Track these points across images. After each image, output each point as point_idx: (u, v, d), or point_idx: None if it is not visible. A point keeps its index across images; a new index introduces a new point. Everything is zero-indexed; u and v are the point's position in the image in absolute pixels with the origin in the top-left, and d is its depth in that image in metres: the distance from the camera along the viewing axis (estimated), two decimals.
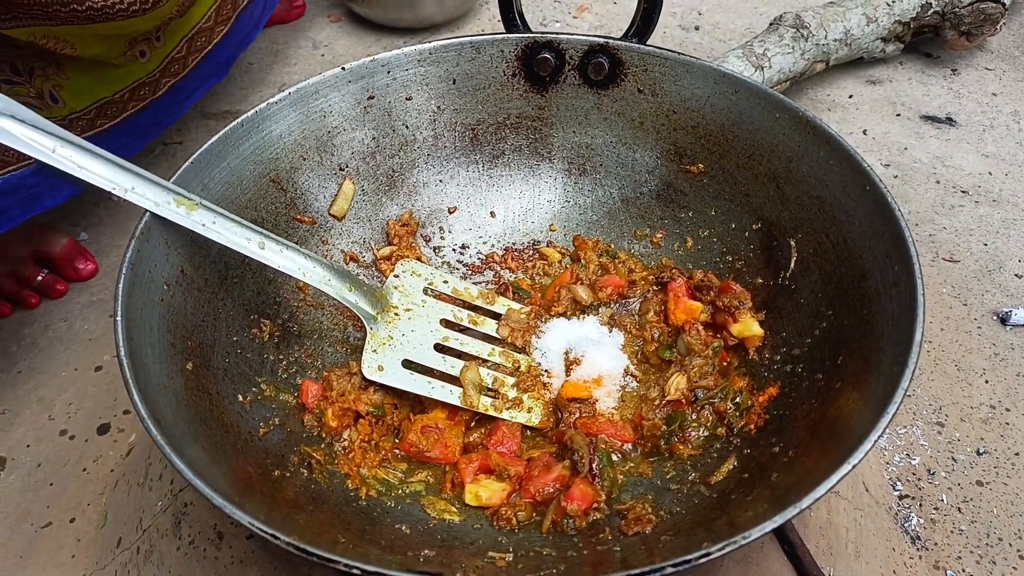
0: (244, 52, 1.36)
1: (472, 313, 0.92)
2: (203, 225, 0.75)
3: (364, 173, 0.97)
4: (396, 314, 0.87)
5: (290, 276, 0.81)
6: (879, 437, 0.61)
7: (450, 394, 0.83)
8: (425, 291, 0.91)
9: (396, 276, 0.91)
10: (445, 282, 0.93)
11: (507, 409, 0.84)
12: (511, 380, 0.86)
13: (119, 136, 1.14)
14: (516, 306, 0.93)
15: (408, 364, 0.84)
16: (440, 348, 0.87)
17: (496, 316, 0.92)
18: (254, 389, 0.81)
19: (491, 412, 0.83)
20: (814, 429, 0.71)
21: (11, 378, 1.10)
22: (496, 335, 0.90)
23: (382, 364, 0.83)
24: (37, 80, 1.03)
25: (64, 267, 1.19)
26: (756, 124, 0.89)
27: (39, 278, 1.18)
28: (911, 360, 0.64)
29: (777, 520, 0.57)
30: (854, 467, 0.59)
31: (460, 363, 0.86)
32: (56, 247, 1.20)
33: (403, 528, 0.73)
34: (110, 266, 1.25)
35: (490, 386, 0.85)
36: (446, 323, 0.89)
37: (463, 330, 0.90)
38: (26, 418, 1.06)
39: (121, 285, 0.70)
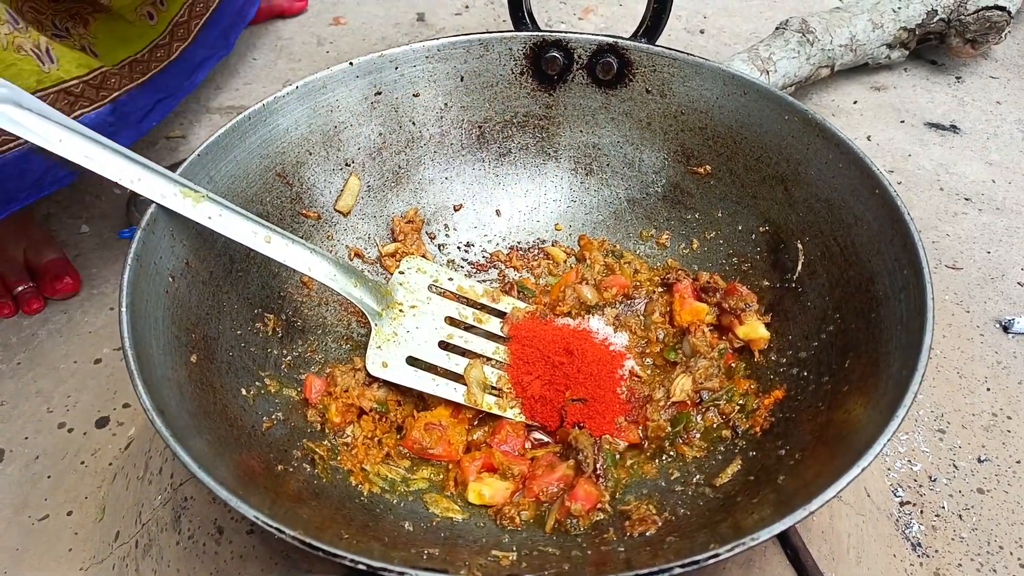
0: (245, 31, 1.50)
1: (477, 311, 0.91)
2: (209, 218, 0.75)
3: (370, 169, 0.97)
4: (401, 311, 0.87)
5: (295, 271, 0.81)
6: (887, 441, 0.60)
7: (454, 392, 0.83)
8: (430, 288, 0.91)
9: (401, 272, 0.91)
10: (450, 279, 0.93)
11: (511, 408, 0.83)
12: None
13: (157, 90, 1.23)
14: (521, 305, 0.93)
15: (412, 361, 0.84)
16: (444, 346, 0.87)
17: (501, 314, 0.92)
18: (257, 383, 0.81)
19: (495, 410, 0.83)
20: (821, 433, 0.71)
21: (10, 370, 1.10)
22: (501, 333, 0.90)
23: (386, 361, 0.83)
24: (74, 37, 1.11)
25: (42, 279, 1.18)
26: (765, 126, 0.89)
27: (20, 288, 1.17)
28: (920, 364, 0.64)
29: (786, 522, 0.57)
30: (863, 471, 0.59)
31: (464, 361, 0.85)
32: (43, 259, 1.19)
33: (406, 525, 0.72)
34: (111, 259, 1.24)
35: (494, 384, 0.85)
36: (451, 320, 0.89)
37: (467, 328, 0.90)
38: (25, 410, 1.05)
39: (126, 277, 0.69)
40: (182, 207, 0.74)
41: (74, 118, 1.01)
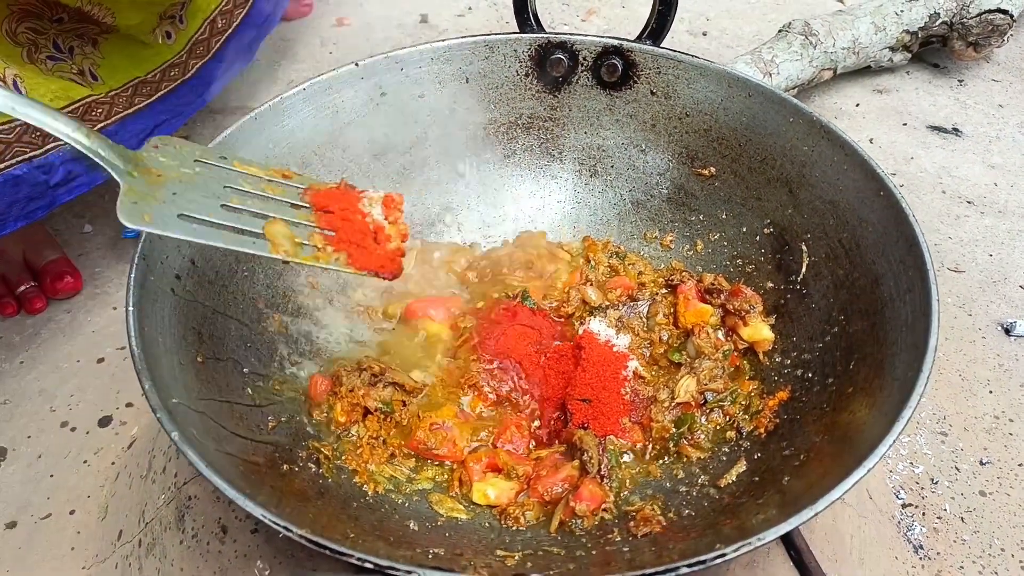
0: (265, 38, 1.40)
1: (266, 181, 0.74)
2: None
3: (375, 170, 0.97)
4: (159, 176, 0.68)
5: (300, 272, 0.79)
6: (893, 442, 0.61)
7: (253, 245, 0.68)
8: (196, 162, 0.71)
9: (155, 147, 0.70)
10: (223, 157, 0.73)
11: (334, 259, 0.72)
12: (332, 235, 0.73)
13: (158, 113, 1.17)
14: (323, 183, 0.77)
15: (186, 219, 0.67)
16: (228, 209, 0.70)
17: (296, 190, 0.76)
18: (263, 383, 0.81)
19: (315, 263, 0.71)
20: (825, 434, 0.71)
21: (13, 368, 1.10)
22: (304, 203, 0.74)
23: (148, 214, 0.64)
24: (77, 58, 1.06)
25: (44, 279, 1.18)
26: (769, 128, 0.90)
27: (23, 288, 1.17)
28: (926, 367, 0.64)
29: (791, 523, 0.57)
30: (868, 472, 0.59)
31: (259, 222, 0.70)
32: (44, 259, 1.18)
33: (411, 525, 0.73)
34: (114, 259, 1.24)
35: (307, 241, 0.71)
36: (231, 189, 0.72)
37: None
38: (27, 409, 1.05)
39: (133, 275, 0.69)
40: None
41: (45, 153, 0.97)
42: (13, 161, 0.94)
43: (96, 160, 0.66)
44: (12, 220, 0.98)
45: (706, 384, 0.83)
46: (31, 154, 0.96)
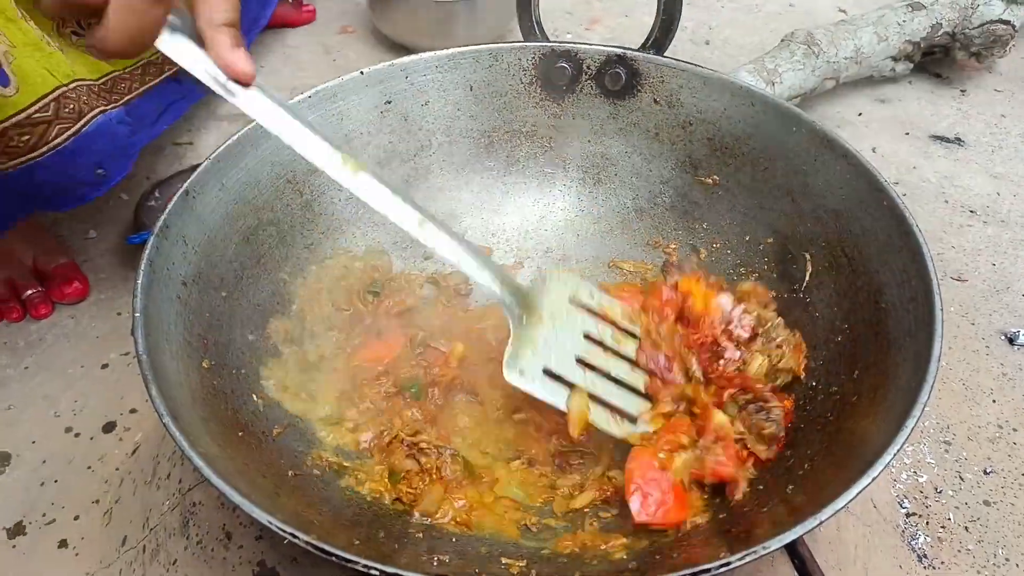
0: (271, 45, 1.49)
1: (615, 331, 0.85)
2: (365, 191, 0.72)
3: (379, 177, 0.97)
4: (540, 319, 0.82)
5: (302, 292, 0.80)
6: (897, 451, 0.61)
7: (591, 412, 0.80)
8: (571, 300, 0.85)
9: (543, 282, 0.85)
10: (591, 295, 0.86)
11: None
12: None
13: (170, 93, 1.25)
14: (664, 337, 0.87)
15: (548, 373, 0.80)
16: (580, 362, 0.82)
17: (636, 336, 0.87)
18: (268, 389, 0.81)
19: (630, 440, 0.80)
20: (829, 443, 0.72)
21: (18, 374, 1.10)
22: (634, 358, 0.85)
23: (524, 369, 0.79)
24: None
25: (51, 284, 1.18)
26: (772, 137, 0.90)
27: (28, 292, 1.17)
28: (929, 375, 0.64)
29: (796, 532, 0.57)
30: (873, 480, 0.59)
31: (600, 380, 0.81)
32: (52, 263, 1.19)
33: (416, 532, 0.73)
34: (119, 265, 1.25)
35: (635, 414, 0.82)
36: (588, 336, 0.84)
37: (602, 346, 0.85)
38: (31, 414, 1.05)
39: (140, 282, 0.70)
40: (339, 174, 0.70)
41: (94, 116, 1.01)
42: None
43: (503, 305, 0.79)
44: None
45: (775, 365, 0.81)
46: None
